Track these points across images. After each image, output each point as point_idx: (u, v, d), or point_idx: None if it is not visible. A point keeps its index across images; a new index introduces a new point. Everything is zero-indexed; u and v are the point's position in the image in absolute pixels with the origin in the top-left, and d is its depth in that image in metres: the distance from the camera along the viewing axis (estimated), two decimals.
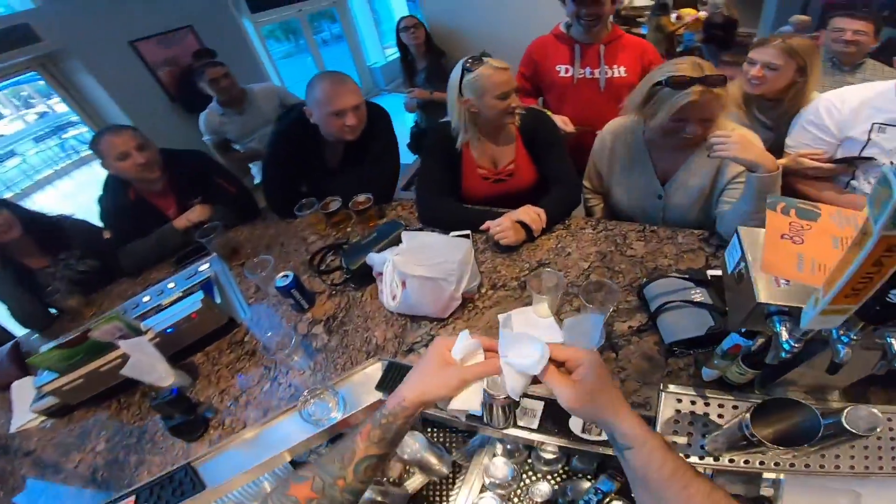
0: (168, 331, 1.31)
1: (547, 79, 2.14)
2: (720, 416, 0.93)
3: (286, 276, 1.35)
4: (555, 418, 1.00)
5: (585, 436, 0.96)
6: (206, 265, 1.67)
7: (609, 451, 0.94)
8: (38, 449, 1.24)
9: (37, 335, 1.73)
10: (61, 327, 1.70)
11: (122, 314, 1.30)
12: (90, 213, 1.90)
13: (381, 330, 1.30)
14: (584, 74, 2.04)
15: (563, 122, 1.97)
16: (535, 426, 1.00)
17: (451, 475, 1.28)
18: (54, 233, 1.78)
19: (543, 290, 1.18)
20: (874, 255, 0.44)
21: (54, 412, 1.31)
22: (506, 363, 0.62)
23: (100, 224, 1.88)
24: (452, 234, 1.49)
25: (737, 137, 1.19)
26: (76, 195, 6.50)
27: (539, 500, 1.17)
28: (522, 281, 1.36)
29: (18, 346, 1.56)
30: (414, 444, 1.25)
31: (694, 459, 0.88)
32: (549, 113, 2.04)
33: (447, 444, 1.36)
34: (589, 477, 1.21)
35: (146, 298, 1.58)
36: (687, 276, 1.22)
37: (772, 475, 0.89)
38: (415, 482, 1.28)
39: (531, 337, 0.63)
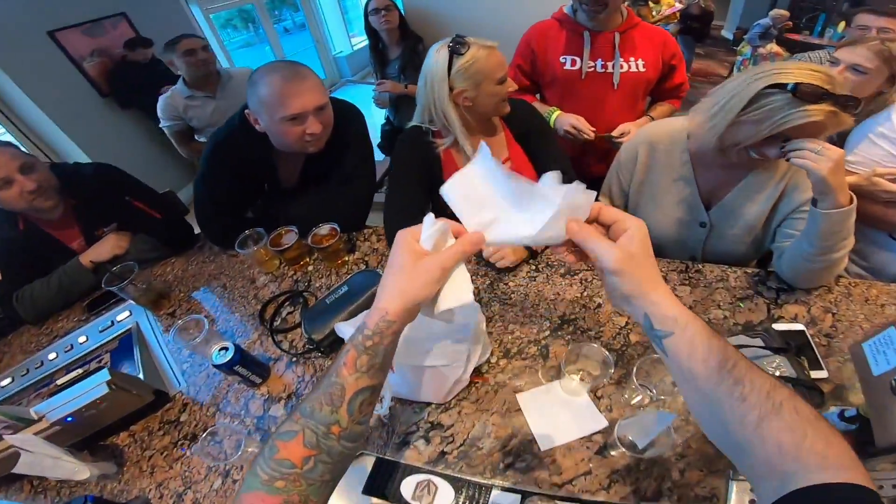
0: (68, 420, 0.97)
1: (548, 72, 1.76)
2: None
3: (225, 349, 0.99)
4: None
5: None
6: (126, 314, 1.34)
7: None
8: None
9: None
10: None
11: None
12: None
13: None
14: (594, 67, 1.67)
15: (576, 127, 1.65)
16: None
17: None
18: None
19: (585, 376, 0.86)
20: None
21: None
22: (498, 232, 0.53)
23: None
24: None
25: (834, 154, 0.89)
26: None
27: None
28: (544, 345, 1.03)
29: None
30: None
31: None
32: (557, 111, 1.72)
33: None
34: None
35: (52, 356, 1.27)
36: (761, 343, 0.93)
37: None
38: None
39: (524, 186, 0.52)
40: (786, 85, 0.89)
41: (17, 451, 0.89)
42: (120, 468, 0.99)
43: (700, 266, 1.20)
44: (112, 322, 1.31)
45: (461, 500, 0.81)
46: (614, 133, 1.68)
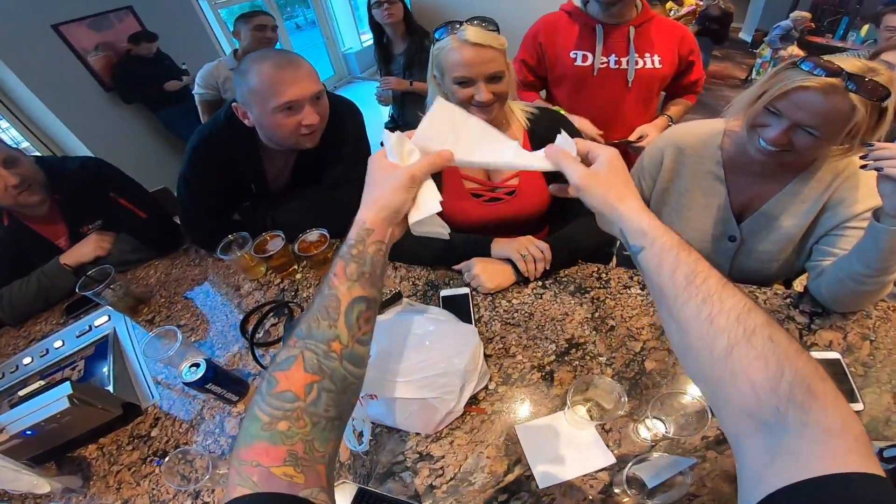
0: (28, 433, 0.91)
1: (557, 68, 1.65)
2: None
3: (196, 365, 0.91)
4: None
5: None
6: (105, 318, 1.27)
7: None
8: None
9: None
10: None
11: None
12: None
13: None
14: (607, 63, 1.56)
15: (585, 130, 1.55)
16: None
17: None
18: None
19: (594, 408, 0.77)
20: None
21: None
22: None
23: None
24: (443, 293, 1.05)
25: None
26: None
27: None
28: (549, 371, 0.93)
29: None
30: None
31: None
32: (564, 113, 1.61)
33: None
34: None
35: (27, 360, 1.21)
36: None
37: None
38: None
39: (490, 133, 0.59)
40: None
41: None
42: (86, 482, 0.93)
43: None
44: (89, 327, 1.25)
45: None
46: (631, 137, 1.58)
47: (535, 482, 0.77)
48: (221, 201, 1.35)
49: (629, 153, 1.64)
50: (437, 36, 1.08)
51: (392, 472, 0.82)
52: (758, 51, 5.68)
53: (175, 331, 1.00)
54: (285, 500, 0.40)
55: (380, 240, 0.55)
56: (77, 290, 1.18)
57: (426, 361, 0.78)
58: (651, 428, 0.80)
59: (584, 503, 0.75)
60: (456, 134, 0.59)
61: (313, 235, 1.21)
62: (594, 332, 0.99)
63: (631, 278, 1.12)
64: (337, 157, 1.35)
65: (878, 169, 0.79)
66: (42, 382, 1.05)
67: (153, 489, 0.88)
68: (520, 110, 1.22)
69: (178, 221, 1.48)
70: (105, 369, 1.09)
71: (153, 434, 0.98)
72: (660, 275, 0.46)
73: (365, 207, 0.56)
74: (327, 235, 1.20)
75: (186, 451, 0.89)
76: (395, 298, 0.94)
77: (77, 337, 1.22)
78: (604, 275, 1.15)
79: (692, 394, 0.78)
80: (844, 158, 0.95)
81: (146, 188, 1.55)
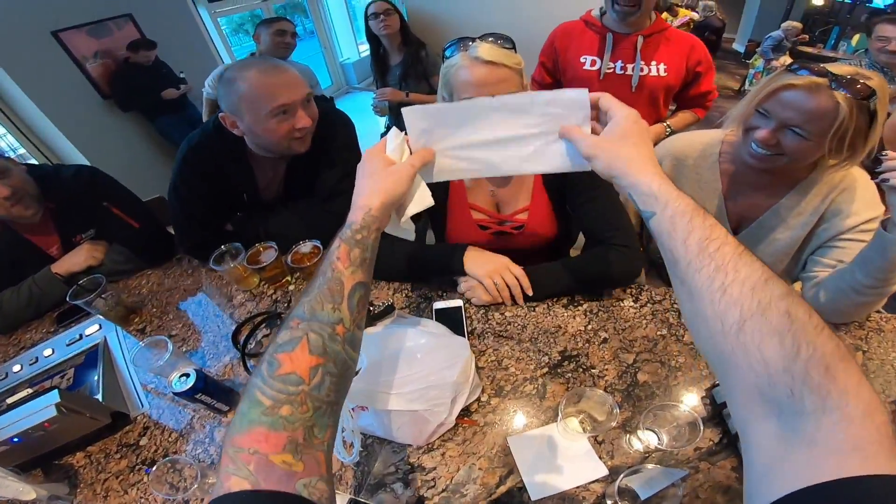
0: (15, 440, 0.92)
1: (569, 71, 1.77)
2: None
3: (186, 375, 0.91)
4: None
5: None
6: (96, 327, 1.26)
7: None
8: None
9: None
10: None
11: None
12: None
13: None
14: (613, 69, 1.67)
15: None
16: None
17: None
18: None
19: (586, 419, 0.77)
20: None
21: None
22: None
23: None
24: (436, 305, 1.05)
25: None
26: None
27: None
28: (541, 384, 0.93)
29: None
30: None
31: None
32: None
33: None
34: None
35: (17, 368, 1.21)
36: None
37: None
38: None
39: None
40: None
41: None
42: (73, 489, 0.92)
43: None
44: (80, 335, 1.24)
45: None
46: None
47: (527, 494, 0.77)
48: (212, 211, 1.35)
49: None
50: (447, 54, 0.99)
51: (383, 484, 0.82)
52: (750, 61, 5.74)
53: (165, 340, 1.00)
54: (280, 499, 0.37)
55: (380, 227, 0.57)
56: (67, 300, 1.17)
57: (417, 374, 0.78)
58: (643, 439, 0.80)
59: None
60: (444, 126, 0.62)
61: (307, 247, 1.20)
62: (587, 345, 0.99)
63: (623, 290, 1.12)
64: (328, 165, 1.35)
65: (884, 180, 0.79)
66: (30, 390, 1.04)
67: (141, 498, 0.87)
68: None
69: (172, 231, 1.47)
70: (94, 378, 1.09)
71: (142, 443, 0.97)
72: (672, 240, 0.44)
73: (370, 195, 0.57)
74: (320, 247, 1.19)
75: (175, 461, 0.88)
76: (388, 311, 0.94)
77: (67, 345, 1.22)
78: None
79: (685, 405, 0.78)
80: (841, 170, 0.95)
81: (142, 197, 1.55)
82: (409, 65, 2.48)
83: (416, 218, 0.66)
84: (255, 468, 0.37)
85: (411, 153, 0.64)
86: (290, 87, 1.12)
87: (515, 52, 0.96)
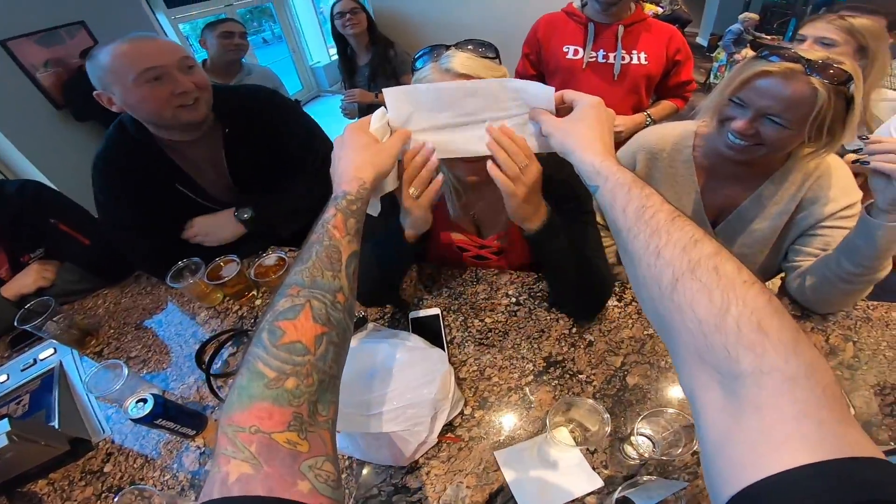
0: None
1: (552, 61, 1.79)
2: None
3: (143, 401, 0.82)
4: None
5: None
6: (50, 351, 1.18)
7: None
8: None
9: None
10: None
11: None
12: None
13: None
14: (595, 58, 1.69)
15: None
16: None
17: None
18: None
19: (576, 429, 0.72)
20: None
21: None
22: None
23: None
24: (412, 314, 0.99)
25: None
26: None
27: None
28: (526, 393, 0.88)
29: None
30: None
31: None
32: None
33: None
34: None
35: None
36: None
37: None
38: None
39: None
40: None
41: None
42: None
43: None
44: (34, 360, 1.16)
45: None
46: None
47: None
48: (148, 217, 1.25)
49: None
50: (417, 66, 0.81)
51: None
52: (714, 55, 5.85)
53: (120, 364, 0.91)
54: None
55: (367, 201, 0.58)
56: (15, 324, 1.08)
57: (392, 392, 0.72)
58: (637, 446, 0.76)
59: None
60: (420, 108, 0.67)
61: (271, 259, 1.13)
62: (572, 349, 0.95)
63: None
64: (277, 134, 1.28)
65: (864, 164, 0.77)
66: None
67: None
68: None
69: None
70: (51, 403, 1.03)
71: (106, 469, 0.89)
72: (614, 210, 0.47)
73: (363, 167, 0.59)
74: (286, 259, 1.12)
75: (143, 489, 0.80)
76: (361, 323, 0.88)
77: (22, 370, 1.14)
78: None
79: (678, 408, 0.75)
80: (816, 158, 0.93)
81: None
82: (377, 64, 2.42)
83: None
84: (258, 449, 0.34)
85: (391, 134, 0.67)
86: (157, 52, 1.05)
87: (499, 61, 0.80)
